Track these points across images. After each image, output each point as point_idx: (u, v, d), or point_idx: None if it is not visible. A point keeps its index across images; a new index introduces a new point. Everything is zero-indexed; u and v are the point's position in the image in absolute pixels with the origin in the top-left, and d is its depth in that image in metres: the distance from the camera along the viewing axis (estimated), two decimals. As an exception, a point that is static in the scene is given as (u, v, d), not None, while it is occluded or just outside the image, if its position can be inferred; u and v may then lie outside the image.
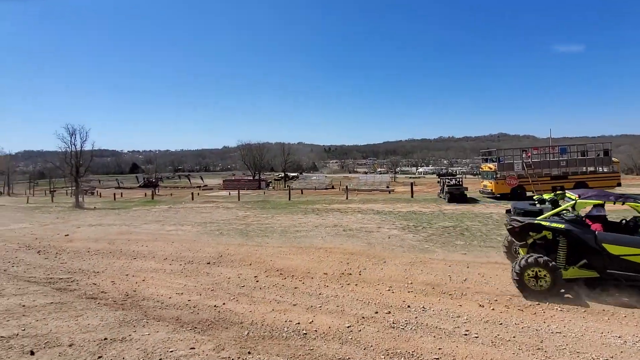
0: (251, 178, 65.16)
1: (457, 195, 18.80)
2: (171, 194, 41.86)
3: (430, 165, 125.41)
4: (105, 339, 3.96)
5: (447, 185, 19.99)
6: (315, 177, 65.20)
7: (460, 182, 20.99)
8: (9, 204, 33.87)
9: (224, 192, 43.77)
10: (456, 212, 14.75)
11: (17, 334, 4.02)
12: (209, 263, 7.97)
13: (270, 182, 64.07)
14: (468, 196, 19.49)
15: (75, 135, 29.01)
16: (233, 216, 16.80)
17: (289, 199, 26.45)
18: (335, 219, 14.02)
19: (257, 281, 6.50)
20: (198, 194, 38.85)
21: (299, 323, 4.49)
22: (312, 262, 7.65)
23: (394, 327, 4.28)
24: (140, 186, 65.03)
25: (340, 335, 4.11)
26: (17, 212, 23.87)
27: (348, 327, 4.31)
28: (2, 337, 3.92)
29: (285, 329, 4.31)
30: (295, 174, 78.46)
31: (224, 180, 63.14)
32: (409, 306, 4.96)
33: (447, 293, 5.52)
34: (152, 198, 34.57)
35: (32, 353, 3.53)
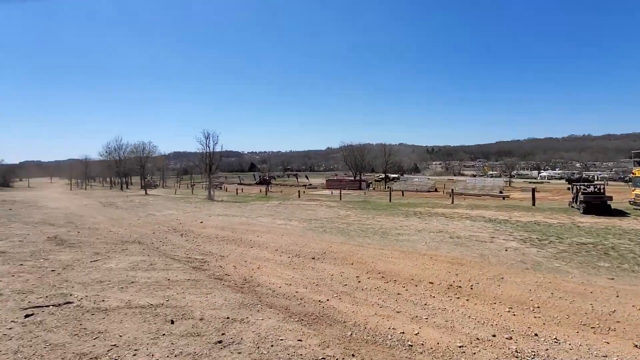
0: (352, 178, 66.04)
1: (596, 205, 15.38)
2: (281, 191, 45.44)
3: (556, 169, 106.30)
4: (228, 317, 4.39)
5: (583, 193, 16.50)
6: (417, 179, 62.24)
7: (602, 190, 17.08)
8: (162, 194, 41.81)
9: (327, 191, 45.36)
10: (596, 226, 12.06)
11: (162, 304, 4.79)
12: (313, 258, 8.25)
13: (371, 182, 63.78)
14: (612, 207, 15.77)
15: (209, 138, 34.04)
16: (335, 215, 17.19)
17: (390, 201, 25.80)
18: (440, 224, 13.02)
19: (359, 281, 6.42)
20: (304, 192, 41.18)
21: (403, 332, 4.21)
22: (416, 269, 7.19)
23: (517, 357, 3.64)
24: (256, 183, 72.61)
25: (451, 354, 3.69)
26: (168, 201, 29.18)
27: (460, 347, 3.85)
28: (151, 305, 4.73)
29: (389, 337, 4.09)
30: (396, 175, 76.43)
31: (327, 180, 65.51)
32: (536, 334, 4.17)
33: (588, 325, 4.47)
34: (266, 194, 38.06)
35: (172, 322, 4.14)
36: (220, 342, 3.70)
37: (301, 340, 3.85)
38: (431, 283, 6.25)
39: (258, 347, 3.62)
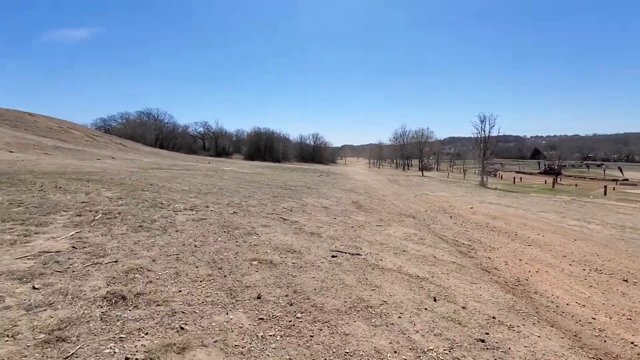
0: None
1: None
2: (576, 184, 34.86)
3: None
4: (494, 317, 3.78)
5: None
6: None
7: None
8: (436, 176, 43.29)
9: (661, 191, 30.25)
10: None
11: (427, 279, 4.79)
12: (625, 280, 5.68)
13: None
14: None
15: (485, 122, 31.27)
16: (678, 227, 11.05)
17: None
18: None
19: None
20: (613, 188, 29.59)
21: None
22: None
23: None
24: (540, 172, 60.08)
25: None
26: (441, 183, 29.78)
27: None
28: (417, 276, 4.83)
29: None
30: None
31: (661, 175, 43.90)
32: None
33: None
34: (553, 186, 30.55)
35: (434, 299, 4.03)
36: (482, 341, 3.23)
37: (600, 390, 2.67)
38: None
39: (530, 369, 2.86)
